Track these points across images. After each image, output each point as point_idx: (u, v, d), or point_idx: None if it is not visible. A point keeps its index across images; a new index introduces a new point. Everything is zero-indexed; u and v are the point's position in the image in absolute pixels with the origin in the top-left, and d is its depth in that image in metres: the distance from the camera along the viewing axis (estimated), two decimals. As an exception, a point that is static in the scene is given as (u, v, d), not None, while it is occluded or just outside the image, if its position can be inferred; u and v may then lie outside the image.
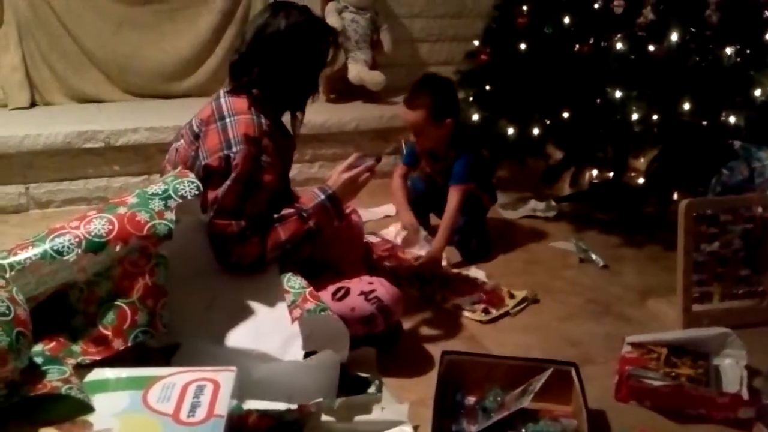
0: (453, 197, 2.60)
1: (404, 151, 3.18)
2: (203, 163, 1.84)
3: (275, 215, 1.91)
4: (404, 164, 2.84)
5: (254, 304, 1.83)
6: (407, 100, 2.62)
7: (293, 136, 2.12)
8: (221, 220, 1.83)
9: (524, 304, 2.36)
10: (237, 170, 1.82)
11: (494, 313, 2.28)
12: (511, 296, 2.39)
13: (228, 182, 1.82)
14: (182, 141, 1.96)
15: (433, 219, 2.86)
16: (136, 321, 1.57)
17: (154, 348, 1.68)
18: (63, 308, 1.59)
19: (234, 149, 1.82)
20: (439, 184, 2.76)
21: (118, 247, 1.57)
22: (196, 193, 1.72)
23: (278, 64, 1.91)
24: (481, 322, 2.24)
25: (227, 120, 1.87)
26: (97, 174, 3.23)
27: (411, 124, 2.63)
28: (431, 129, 2.58)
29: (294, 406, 1.52)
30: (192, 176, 1.76)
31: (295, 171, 3.36)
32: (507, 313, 2.30)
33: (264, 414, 1.50)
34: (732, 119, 2.51)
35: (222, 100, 1.92)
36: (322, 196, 1.94)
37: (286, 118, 2.08)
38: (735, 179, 2.45)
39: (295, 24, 1.91)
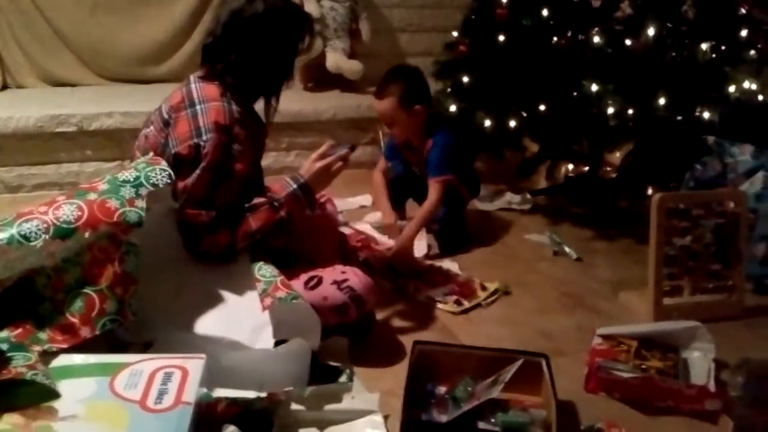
0: (433, 191, 2.60)
1: (382, 143, 3.18)
2: (173, 151, 1.81)
3: (246, 204, 1.89)
4: (384, 158, 2.83)
5: (224, 293, 1.82)
6: (376, 91, 2.63)
7: (266, 123, 2.09)
8: (191, 209, 1.81)
9: (496, 296, 2.36)
10: (207, 159, 1.79)
11: (466, 304, 2.28)
12: (483, 288, 2.39)
13: (198, 171, 1.79)
14: (152, 128, 1.93)
15: (411, 209, 2.85)
16: (104, 309, 1.55)
17: (131, 342, 1.65)
18: (30, 294, 1.57)
19: (204, 137, 1.79)
20: (417, 174, 2.77)
21: (87, 234, 1.56)
22: (168, 181, 1.71)
23: (254, 49, 1.89)
24: (453, 313, 2.24)
25: (197, 107, 1.84)
26: (69, 159, 3.19)
27: (382, 115, 2.64)
28: (402, 117, 2.59)
29: (263, 394, 1.51)
30: (164, 164, 1.74)
31: (271, 159, 3.36)
32: (479, 305, 2.30)
33: (233, 402, 1.49)
34: (706, 115, 2.54)
35: (193, 85, 1.89)
36: (294, 186, 1.93)
37: (259, 105, 2.06)
38: (708, 174, 2.48)
39: (272, 8, 1.88)
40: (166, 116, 1.88)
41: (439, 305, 2.28)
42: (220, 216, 1.82)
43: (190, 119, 1.83)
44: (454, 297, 2.31)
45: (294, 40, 1.96)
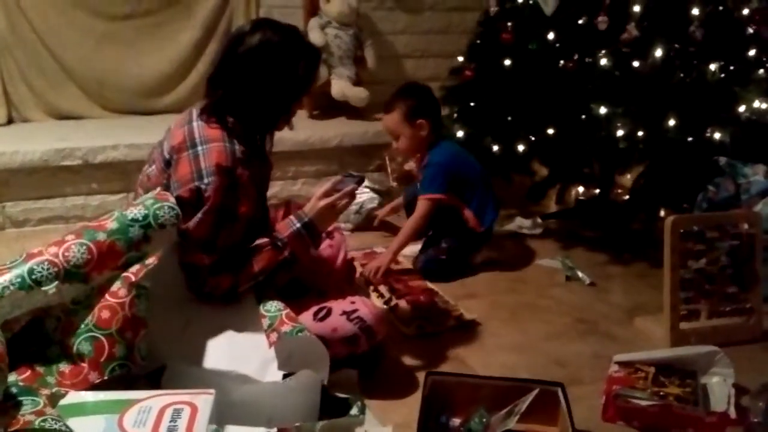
0: (420, 206, 2.64)
1: (389, 169, 3.19)
2: (175, 194, 1.76)
3: (249, 246, 1.86)
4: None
5: (231, 327, 1.78)
6: (385, 105, 2.71)
7: (269, 157, 2.07)
8: (193, 251, 1.78)
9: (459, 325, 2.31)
10: (210, 203, 1.75)
11: (425, 330, 2.25)
12: (458, 319, 2.33)
13: (200, 214, 1.76)
14: (154, 167, 1.89)
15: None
16: (113, 354, 1.53)
17: (139, 375, 1.62)
18: (39, 337, 1.54)
19: (206, 180, 1.75)
20: None
21: (96, 277, 1.54)
22: (175, 221, 1.68)
23: (247, 82, 1.84)
24: (405, 335, 2.22)
25: (199, 148, 1.79)
26: (75, 192, 3.18)
27: (387, 128, 2.73)
28: (406, 130, 2.65)
29: (274, 430, 1.48)
30: (172, 201, 1.71)
31: (278, 188, 3.35)
32: (435, 333, 2.25)
33: (243, 438, 1.45)
34: (717, 135, 2.52)
35: (194, 124, 1.84)
36: (298, 225, 1.89)
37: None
38: (721, 195, 2.45)
39: (267, 42, 1.83)
40: (167, 156, 1.84)
41: (401, 326, 2.26)
42: (222, 258, 1.79)
43: (192, 161, 1.78)
44: (420, 322, 2.28)
45: (293, 75, 1.89)
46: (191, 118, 1.87)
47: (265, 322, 1.78)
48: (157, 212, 1.66)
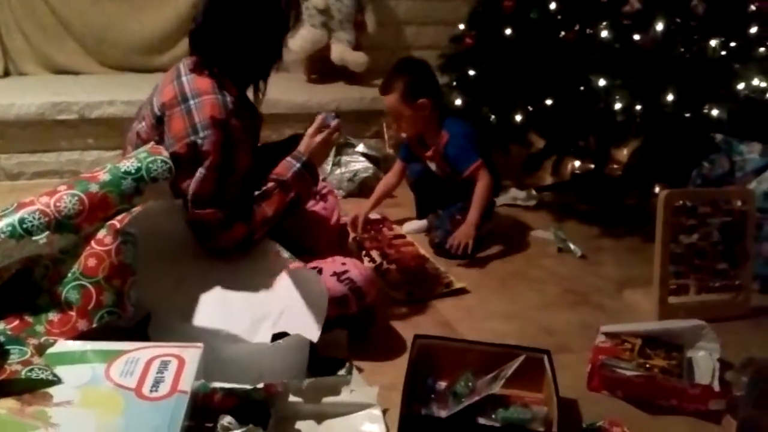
0: (480, 176, 2.55)
1: (386, 136, 3.18)
2: (170, 150, 1.75)
3: (256, 192, 1.87)
4: (399, 159, 2.82)
5: (223, 287, 1.79)
6: (381, 87, 2.60)
7: (258, 109, 2.05)
8: (200, 208, 1.77)
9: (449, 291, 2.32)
10: (210, 159, 1.75)
11: (414, 296, 2.26)
12: (447, 285, 2.34)
13: (202, 171, 1.75)
14: (143, 123, 1.88)
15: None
16: (101, 301, 1.53)
17: (129, 328, 1.64)
18: (28, 286, 1.55)
19: (201, 134, 1.74)
20: (433, 173, 2.72)
21: (87, 228, 1.55)
22: (168, 175, 1.68)
23: (236, 32, 1.83)
24: (395, 300, 2.23)
25: (191, 102, 1.77)
26: (70, 147, 3.18)
27: (388, 109, 2.63)
28: (407, 111, 2.55)
29: (261, 386, 1.49)
30: (165, 154, 1.71)
31: (275, 151, 3.33)
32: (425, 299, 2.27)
33: (230, 392, 1.47)
34: (715, 112, 2.50)
35: (184, 78, 1.82)
36: (298, 165, 1.91)
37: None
38: (716, 172, 2.46)
39: None
40: (158, 113, 1.82)
41: (390, 291, 2.27)
42: (232, 211, 1.80)
43: (185, 116, 1.77)
44: (410, 287, 2.29)
45: (278, 16, 1.88)
46: (180, 73, 1.85)
47: (283, 254, 1.84)
48: (150, 166, 1.66)
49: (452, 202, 2.67)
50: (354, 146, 3.30)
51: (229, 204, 1.80)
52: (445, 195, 2.71)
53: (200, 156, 1.76)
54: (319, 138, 1.94)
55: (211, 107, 1.76)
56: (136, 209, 1.60)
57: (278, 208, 1.87)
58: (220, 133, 1.76)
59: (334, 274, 1.86)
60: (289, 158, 1.93)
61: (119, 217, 1.57)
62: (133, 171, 1.64)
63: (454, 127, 2.62)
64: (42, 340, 1.48)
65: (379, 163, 3.28)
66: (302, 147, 1.95)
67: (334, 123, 1.98)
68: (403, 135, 2.81)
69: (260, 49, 1.90)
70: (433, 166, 2.72)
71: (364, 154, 3.24)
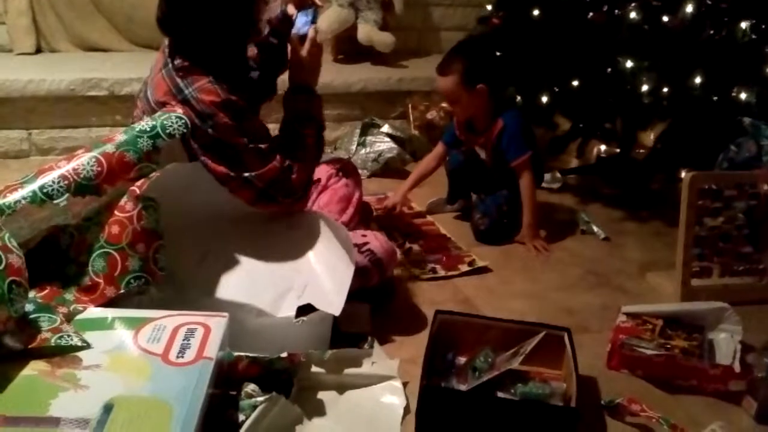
0: (523, 172, 2.53)
1: (411, 117, 3.16)
2: None
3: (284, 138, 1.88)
4: (443, 143, 2.75)
5: (248, 261, 1.81)
6: (439, 67, 2.51)
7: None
8: (260, 170, 1.76)
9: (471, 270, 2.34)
10: (234, 145, 1.73)
11: (441, 273, 2.28)
12: (470, 264, 2.35)
13: (238, 155, 1.74)
14: (144, 115, 1.81)
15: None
16: (126, 267, 1.57)
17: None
18: (56, 255, 1.58)
19: (209, 123, 1.71)
20: (481, 160, 2.67)
21: (109, 190, 1.57)
22: (184, 130, 1.67)
23: (199, 8, 1.73)
24: (417, 277, 2.24)
25: (186, 92, 1.72)
26: (100, 123, 3.21)
27: (444, 92, 2.55)
28: (464, 96, 2.47)
29: (284, 355, 1.52)
30: (180, 111, 1.69)
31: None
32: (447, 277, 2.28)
33: (254, 361, 1.50)
34: (743, 95, 2.47)
35: (170, 66, 1.76)
36: (303, 96, 1.91)
37: None
38: (742, 156, 2.42)
39: None
40: (156, 108, 1.76)
41: (413, 269, 2.28)
42: (283, 153, 1.81)
43: (184, 108, 1.72)
44: (432, 266, 2.31)
45: None
46: (167, 61, 1.78)
47: None
48: (165, 122, 1.66)
49: (495, 189, 2.63)
50: (379, 126, 3.31)
51: (278, 152, 1.80)
52: (488, 182, 2.66)
53: (210, 139, 1.73)
54: (303, 54, 1.86)
55: (207, 92, 1.72)
56: (155, 174, 1.62)
57: (314, 138, 1.89)
58: (224, 117, 1.72)
59: (355, 245, 1.85)
60: (288, 93, 1.91)
61: (139, 183, 1.60)
62: (148, 129, 1.64)
63: (510, 115, 2.55)
64: (71, 308, 1.51)
65: (404, 143, 3.29)
66: (293, 73, 1.91)
67: (309, 30, 1.87)
68: (429, 117, 2.80)
69: (229, 24, 1.79)
70: (482, 153, 2.66)
71: (389, 135, 3.25)
